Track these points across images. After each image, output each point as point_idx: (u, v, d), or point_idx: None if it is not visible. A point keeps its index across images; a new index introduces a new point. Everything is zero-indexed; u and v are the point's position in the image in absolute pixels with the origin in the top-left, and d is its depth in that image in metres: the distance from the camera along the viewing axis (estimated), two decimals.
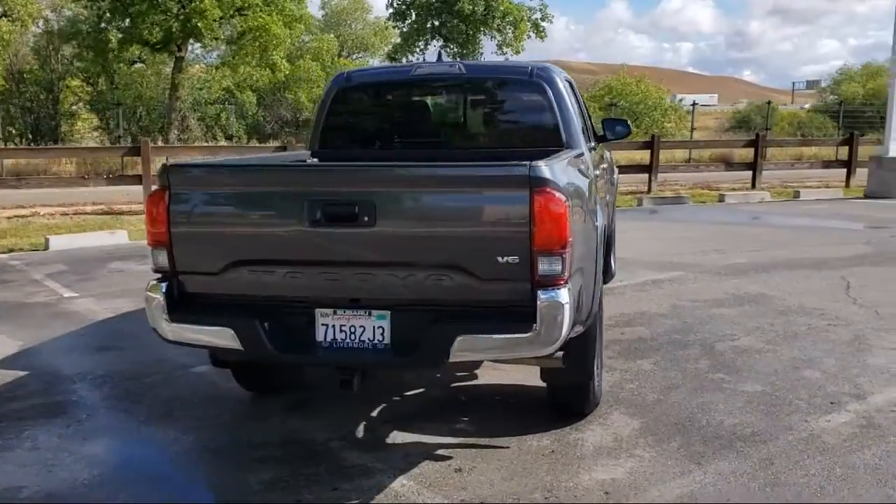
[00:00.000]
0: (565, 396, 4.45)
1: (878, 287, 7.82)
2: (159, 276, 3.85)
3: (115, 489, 3.79)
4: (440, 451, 4.14)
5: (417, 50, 27.24)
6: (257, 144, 26.54)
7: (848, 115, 38.52)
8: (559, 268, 3.45)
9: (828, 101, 51.82)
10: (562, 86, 5.09)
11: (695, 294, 7.54)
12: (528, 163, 3.40)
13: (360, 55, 48.75)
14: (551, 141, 5.03)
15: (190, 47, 25.60)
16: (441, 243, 3.53)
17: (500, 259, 3.45)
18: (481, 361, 4.71)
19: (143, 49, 24.22)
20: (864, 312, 6.84)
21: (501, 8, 25.02)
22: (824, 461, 4.00)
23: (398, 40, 28.30)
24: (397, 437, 4.34)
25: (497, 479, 3.84)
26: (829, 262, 9.13)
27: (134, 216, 13.24)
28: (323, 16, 48.65)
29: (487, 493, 3.69)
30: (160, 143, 22.09)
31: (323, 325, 3.73)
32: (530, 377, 5.09)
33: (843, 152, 19.90)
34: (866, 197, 16.85)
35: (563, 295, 3.45)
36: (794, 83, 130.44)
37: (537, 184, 3.39)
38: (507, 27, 25.92)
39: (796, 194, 17.07)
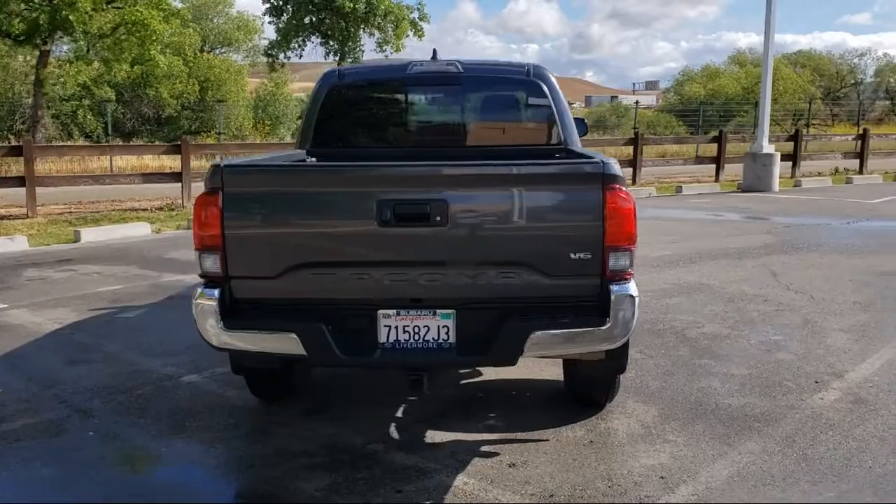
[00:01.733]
0: (592, 388, 4.56)
1: (799, 274, 8.42)
2: (204, 281, 3.68)
3: None
4: (484, 448, 4.17)
5: (295, 46, 26.75)
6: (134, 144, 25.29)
7: (691, 113, 40.98)
8: (627, 262, 3.57)
9: (671, 101, 54.74)
10: (557, 85, 5.21)
11: (642, 285, 7.84)
12: (600, 160, 3.49)
13: (224, 50, 47.25)
14: (549, 139, 5.15)
15: (57, 41, 24.07)
16: (513, 241, 3.57)
17: (572, 255, 3.53)
18: None
19: (4, 41, 22.52)
20: (801, 298, 7.36)
21: (383, 6, 24.97)
22: (836, 436, 4.31)
23: (265, 36, 27.74)
24: (434, 436, 4.33)
25: (553, 471, 3.91)
26: (746, 251, 9.74)
27: (17, 220, 12.39)
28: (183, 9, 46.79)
29: (552, 485, 3.76)
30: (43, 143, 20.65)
31: (385, 326, 3.68)
32: (537, 371, 5.22)
33: (712, 149, 21.03)
34: (742, 191, 18.02)
35: (633, 288, 3.58)
36: (634, 84, 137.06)
37: (609, 181, 3.49)
38: (388, 25, 25.93)
39: (679, 189, 18.01)
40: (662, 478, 3.84)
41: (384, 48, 26.81)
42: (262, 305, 3.68)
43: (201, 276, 3.69)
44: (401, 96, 5.32)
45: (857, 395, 4.92)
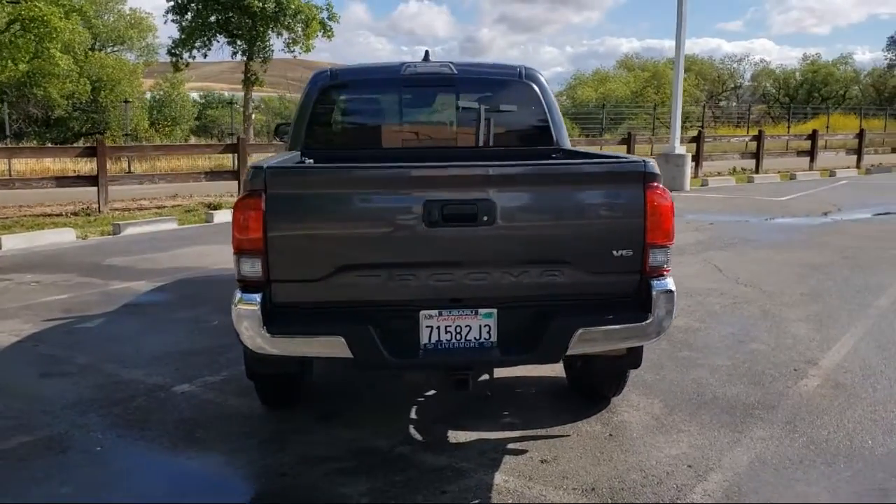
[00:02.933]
0: (603, 383, 4.66)
1: (742, 268, 8.82)
2: (241, 285, 3.58)
3: None
4: (510, 446, 4.21)
5: (199, 45, 25.95)
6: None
7: (584, 116, 42.19)
8: (665, 258, 3.68)
9: (564, 105, 56.19)
10: (547, 85, 5.30)
11: None
12: (641, 159, 3.58)
13: (117, 48, 45.54)
14: (543, 139, 5.25)
15: None
16: (557, 239, 3.62)
17: (614, 252, 3.62)
18: None
19: None
20: (752, 291, 7.72)
21: (293, 6, 24.56)
22: (832, 420, 4.55)
23: (167, 34, 26.74)
24: (457, 436, 4.34)
25: (586, 465, 3.99)
26: (684, 249, 10.10)
27: None
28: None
29: (589, 479, 3.83)
30: None
31: (427, 326, 3.68)
32: (532, 368, 5.28)
33: (621, 151, 21.70)
34: None
35: (672, 284, 3.69)
36: None
37: (650, 179, 3.60)
38: (298, 25, 25.53)
39: None
40: (690, 466, 3.97)
41: (293, 49, 26.44)
42: (306, 309, 3.61)
43: (239, 280, 3.58)
44: (395, 97, 5.29)
45: (835, 380, 5.21)
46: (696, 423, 4.52)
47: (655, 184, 3.60)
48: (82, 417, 4.59)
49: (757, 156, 23.75)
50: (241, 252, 3.53)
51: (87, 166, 18.22)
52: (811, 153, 25.23)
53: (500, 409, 4.73)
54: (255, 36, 25.42)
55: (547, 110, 5.26)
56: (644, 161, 3.63)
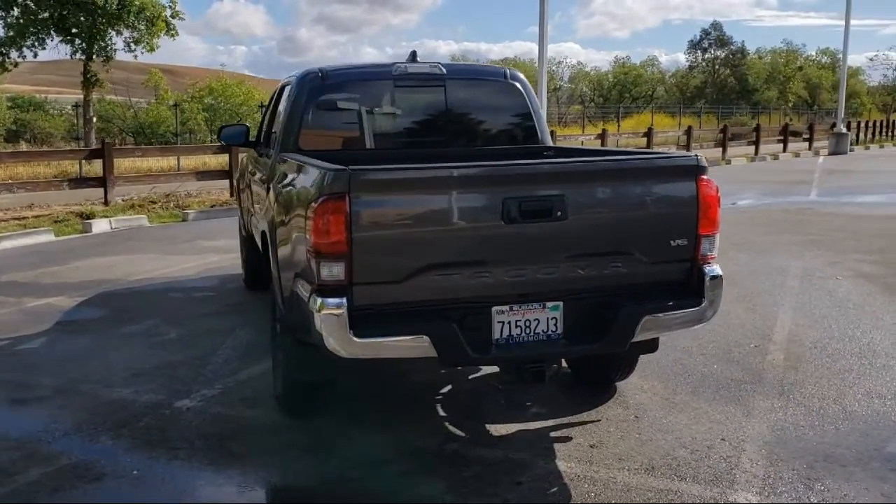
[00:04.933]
0: (614, 368, 4.88)
1: None
2: (319, 290, 3.50)
3: None
4: (553, 434, 4.36)
5: (31, 44, 24.02)
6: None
7: None
8: (712, 246, 3.95)
9: None
10: (530, 87, 5.49)
11: None
12: (694, 154, 3.83)
13: None
14: (530, 138, 5.42)
15: None
16: (622, 231, 3.80)
17: (671, 242, 3.84)
18: None
19: None
20: None
21: (136, 3, 23.27)
22: (816, 388, 5.00)
23: None
24: (497, 429, 4.43)
25: (633, 446, 4.20)
26: None
27: None
28: None
29: (643, 459, 4.04)
30: None
31: (499, 322, 3.75)
32: None
33: None
34: None
35: (719, 269, 3.96)
36: None
37: (701, 172, 3.85)
38: (142, 24, 24.24)
39: None
40: (723, 439, 4.27)
41: (134, 48, 25.10)
42: (387, 311, 3.58)
43: (319, 284, 3.49)
44: (387, 97, 5.27)
45: (796, 354, 5.71)
46: (702, 400, 4.84)
47: (706, 176, 3.86)
48: (94, 443, 4.29)
49: None
50: (322, 256, 3.45)
51: None
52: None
53: (520, 399, 4.85)
54: (95, 34, 23.93)
55: (532, 110, 5.43)
56: (696, 156, 3.89)
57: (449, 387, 5.12)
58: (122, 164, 20.22)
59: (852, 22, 31.74)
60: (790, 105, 70.23)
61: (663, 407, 4.73)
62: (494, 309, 3.73)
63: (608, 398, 4.87)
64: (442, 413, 4.73)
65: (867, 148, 36.89)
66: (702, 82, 72.95)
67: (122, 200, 14.64)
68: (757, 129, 32.22)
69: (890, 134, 44.60)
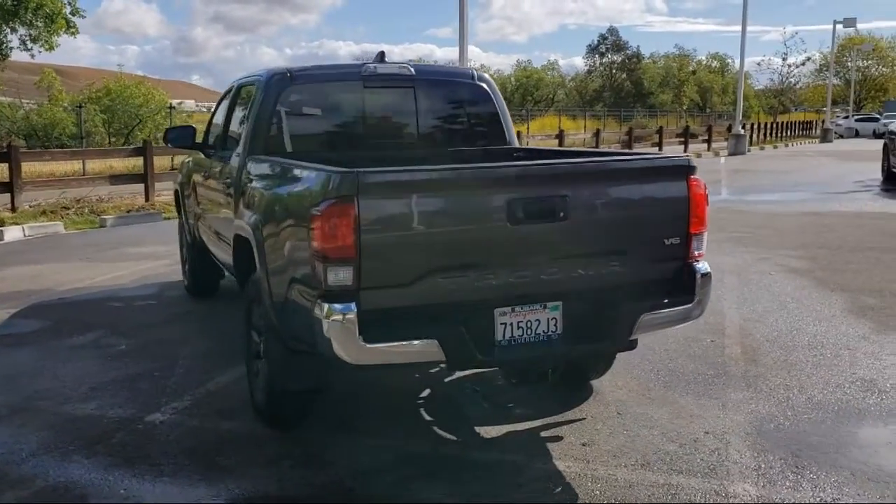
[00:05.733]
0: (594, 367, 4.93)
1: None
2: (325, 296, 3.41)
3: None
4: (543, 434, 4.38)
5: None
6: None
7: None
8: (702, 244, 4.05)
9: None
10: (497, 88, 5.51)
11: None
12: (685, 155, 3.91)
13: None
14: (498, 139, 5.45)
15: None
16: (620, 231, 3.85)
17: (665, 241, 3.92)
18: None
19: None
20: None
21: (34, 0, 22.16)
22: (779, 380, 5.17)
23: None
24: (487, 431, 4.43)
25: (623, 443, 4.26)
26: None
27: None
28: None
29: (636, 455, 4.11)
30: None
31: (502, 323, 3.74)
32: None
33: None
34: None
35: (708, 267, 4.06)
36: None
37: (691, 172, 3.94)
38: (40, 21, 23.09)
39: None
40: (707, 432, 4.38)
41: (30, 46, 23.94)
42: (389, 315, 3.51)
43: (326, 290, 3.40)
44: (357, 97, 5.18)
45: (752, 347, 5.92)
46: (677, 394, 4.96)
47: (695, 176, 3.95)
48: (68, 463, 4.05)
49: None
50: (328, 261, 3.36)
51: None
52: None
53: (505, 402, 4.85)
54: None
55: (499, 111, 5.45)
56: (687, 157, 3.98)
57: (427, 391, 5.08)
58: (26, 168, 19.26)
59: (736, 28, 33.14)
60: (685, 108, 72.82)
61: (641, 403, 4.82)
62: (497, 310, 3.72)
63: (587, 396, 4.92)
64: (427, 417, 4.68)
65: (762, 149, 38.62)
66: (600, 86, 74.91)
67: (30, 206, 13.94)
68: (660, 131, 33.36)
69: (779, 135, 46.84)
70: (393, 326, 3.49)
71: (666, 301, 3.97)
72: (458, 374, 5.26)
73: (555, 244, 3.72)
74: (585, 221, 3.76)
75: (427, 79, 5.35)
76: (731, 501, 3.63)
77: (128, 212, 14.19)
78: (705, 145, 34.56)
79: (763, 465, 3.96)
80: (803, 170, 24.42)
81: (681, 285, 4.01)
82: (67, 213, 13.69)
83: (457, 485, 3.78)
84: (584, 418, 4.59)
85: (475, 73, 5.50)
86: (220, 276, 7.29)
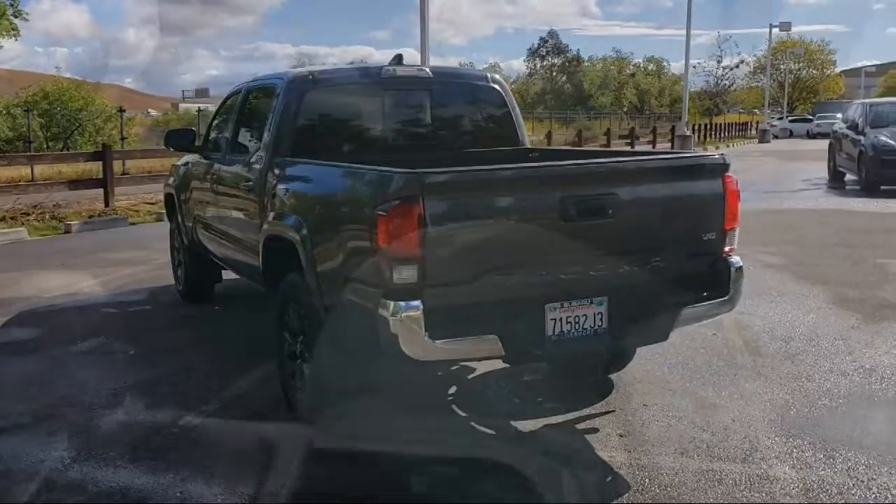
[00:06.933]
0: (617, 360, 5.07)
1: None
2: (390, 293, 3.47)
3: None
4: (580, 426, 4.49)
5: None
6: None
7: None
8: (734, 239, 4.22)
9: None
10: (509, 89, 5.62)
11: None
12: (721, 154, 4.08)
13: None
14: (512, 140, 5.56)
15: None
16: (664, 227, 3.99)
17: (703, 237, 4.08)
18: None
19: None
20: None
21: None
22: (788, 369, 5.38)
23: None
24: (524, 425, 4.52)
25: (658, 432, 4.40)
26: None
27: None
28: None
29: (673, 444, 4.24)
30: None
31: (552, 319, 3.84)
32: None
33: None
34: None
35: (741, 261, 4.23)
36: (183, 91, 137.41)
37: (726, 170, 4.10)
38: None
39: None
40: (734, 420, 4.54)
41: None
42: (451, 312, 3.58)
43: (392, 288, 3.46)
44: (378, 100, 5.23)
45: (752, 338, 6.13)
46: (696, 385, 5.12)
47: (729, 174, 4.12)
48: (113, 468, 4.01)
49: None
50: (394, 260, 3.42)
51: None
52: None
53: (530, 395, 4.95)
54: None
55: (512, 112, 5.56)
56: (723, 154, 4.15)
57: (454, 388, 5.15)
58: None
59: (668, 32, 34.01)
60: (624, 110, 74.21)
61: (664, 394, 4.97)
62: (547, 306, 3.81)
63: (609, 390, 5.05)
64: (462, 413, 4.76)
65: (705, 149, 39.53)
66: (541, 89, 75.82)
67: None
68: (608, 133, 33.94)
69: (719, 136, 48.10)
70: (455, 323, 3.56)
71: (705, 294, 4.12)
72: (480, 370, 5.34)
73: (602, 240, 3.84)
74: (631, 218, 3.88)
75: (443, 81, 5.43)
76: (774, 484, 3.79)
77: (90, 217, 13.90)
78: (650, 147, 35.26)
79: (797, 450, 4.14)
80: (751, 169, 25.11)
81: (717, 279, 4.17)
82: (28, 220, 13.35)
83: (509, 477, 3.87)
84: (614, 410, 4.72)
85: (488, 75, 5.61)
86: (217, 281, 7.24)
